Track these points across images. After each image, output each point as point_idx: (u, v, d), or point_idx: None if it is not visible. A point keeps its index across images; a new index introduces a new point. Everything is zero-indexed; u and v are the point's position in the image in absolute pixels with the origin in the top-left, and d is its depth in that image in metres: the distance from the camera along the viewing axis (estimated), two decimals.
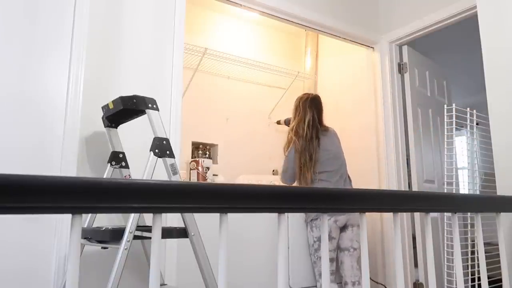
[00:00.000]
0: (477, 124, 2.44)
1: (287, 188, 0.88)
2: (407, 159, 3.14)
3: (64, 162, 1.68)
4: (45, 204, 0.61)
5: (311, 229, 2.48)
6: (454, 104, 2.30)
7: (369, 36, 3.22)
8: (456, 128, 2.29)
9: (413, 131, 3.09)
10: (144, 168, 1.48)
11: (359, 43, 3.25)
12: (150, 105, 1.54)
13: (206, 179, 2.93)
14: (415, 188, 3.03)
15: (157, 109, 1.55)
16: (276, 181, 3.28)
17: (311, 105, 2.59)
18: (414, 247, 3.03)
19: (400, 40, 3.18)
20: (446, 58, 4.70)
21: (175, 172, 1.53)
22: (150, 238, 1.48)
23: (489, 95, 2.00)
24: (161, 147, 1.50)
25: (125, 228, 1.40)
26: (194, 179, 2.92)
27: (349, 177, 2.64)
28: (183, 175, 2.33)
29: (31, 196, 0.59)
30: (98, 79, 1.88)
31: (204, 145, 3.24)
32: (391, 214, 2.95)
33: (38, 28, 1.71)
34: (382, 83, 3.18)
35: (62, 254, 1.63)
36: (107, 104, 1.66)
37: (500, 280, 1.47)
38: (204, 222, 2.13)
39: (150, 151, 1.49)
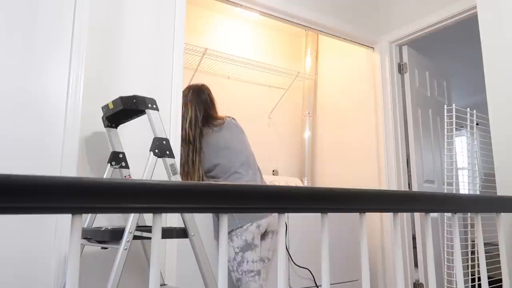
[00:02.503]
0: (477, 124, 2.44)
1: (287, 188, 0.88)
2: (407, 159, 3.14)
3: (64, 162, 1.68)
4: (45, 204, 0.61)
5: (230, 240, 2.04)
6: (454, 104, 2.30)
7: (369, 36, 3.22)
8: (456, 128, 2.29)
9: (413, 131, 3.09)
10: (144, 168, 1.48)
11: (359, 43, 3.25)
12: (150, 105, 1.54)
13: None
14: (415, 188, 3.03)
15: (157, 109, 1.55)
16: (276, 181, 3.28)
17: (192, 99, 2.24)
18: (414, 247, 3.03)
19: (400, 40, 3.18)
20: (446, 58, 4.71)
21: (175, 172, 1.53)
22: (150, 238, 1.48)
23: (489, 95, 2.00)
24: (161, 147, 1.50)
25: (125, 228, 1.40)
26: None
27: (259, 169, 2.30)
28: None
29: (31, 196, 0.59)
30: (98, 79, 1.88)
31: None
32: (391, 214, 2.96)
33: (38, 28, 1.71)
34: (382, 84, 3.18)
35: (62, 254, 1.63)
36: (107, 104, 1.66)
37: (500, 280, 1.47)
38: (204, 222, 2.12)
39: (150, 151, 1.49)
